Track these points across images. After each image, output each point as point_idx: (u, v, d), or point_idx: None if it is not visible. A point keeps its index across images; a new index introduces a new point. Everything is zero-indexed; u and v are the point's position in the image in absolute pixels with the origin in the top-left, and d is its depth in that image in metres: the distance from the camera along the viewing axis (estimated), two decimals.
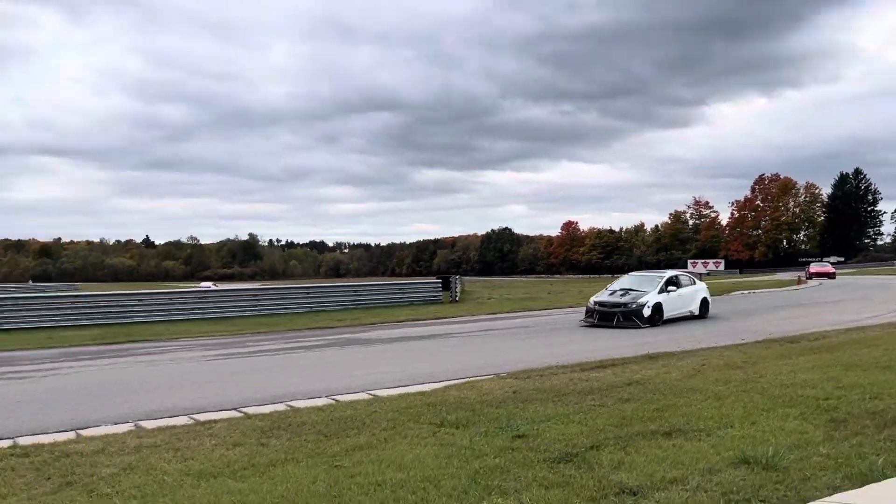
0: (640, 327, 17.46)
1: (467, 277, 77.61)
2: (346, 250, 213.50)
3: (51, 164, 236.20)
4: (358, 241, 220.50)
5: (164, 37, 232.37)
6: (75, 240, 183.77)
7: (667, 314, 18.44)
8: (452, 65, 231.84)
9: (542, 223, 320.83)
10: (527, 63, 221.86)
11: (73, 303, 23.17)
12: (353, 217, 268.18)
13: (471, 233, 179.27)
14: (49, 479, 5.85)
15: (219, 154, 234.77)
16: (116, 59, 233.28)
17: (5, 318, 21.15)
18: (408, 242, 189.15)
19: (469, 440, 6.70)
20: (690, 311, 19.48)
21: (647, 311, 17.86)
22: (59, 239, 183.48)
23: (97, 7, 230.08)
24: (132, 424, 8.04)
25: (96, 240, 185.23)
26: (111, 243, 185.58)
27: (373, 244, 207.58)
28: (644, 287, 18.84)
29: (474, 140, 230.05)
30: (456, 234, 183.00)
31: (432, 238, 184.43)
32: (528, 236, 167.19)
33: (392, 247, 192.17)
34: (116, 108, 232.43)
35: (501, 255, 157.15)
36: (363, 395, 9.49)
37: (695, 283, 20.22)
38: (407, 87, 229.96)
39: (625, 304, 18.16)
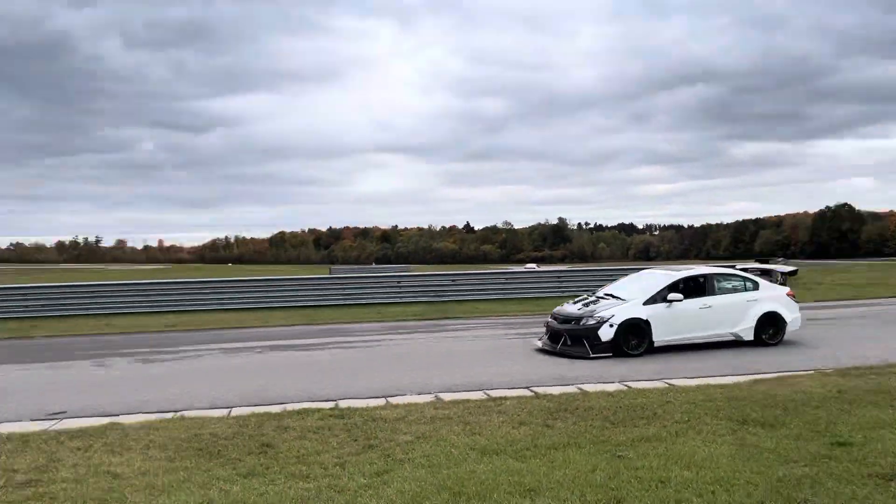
0: (588, 357, 11.28)
1: (796, 261, 69.82)
2: (657, 232, 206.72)
3: (388, 160, 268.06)
4: (669, 223, 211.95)
5: (480, 35, 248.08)
6: (409, 226, 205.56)
7: (664, 338, 11.67)
8: (775, 26, 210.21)
9: (893, 197, 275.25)
10: (871, 12, 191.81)
11: (399, 282, 25.86)
12: (663, 197, 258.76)
13: (800, 210, 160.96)
14: (356, 440, 6.48)
15: (532, 141, 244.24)
16: (440, 61, 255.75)
17: (347, 294, 24.40)
18: (724, 223, 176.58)
19: (775, 443, 5.89)
20: (733, 334, 12.20)
21: (606, 333, 11.38)
22: (396, 226, 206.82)
23: (423, 15, 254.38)
24: (432, 396, 8.58)
25: (426, 226, 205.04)
26: (437, 229, 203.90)
27: (685, 225, 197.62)
28: (632, 293, 12.20)
29: (804, 107, 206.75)
30: (782, 213, 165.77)
31: (753, 217, 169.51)
32: (874, 213, 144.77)
33: (706, 228, 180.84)
34: (441, 105, 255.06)
35: (839, 235, 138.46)
36: (658, 384, 8.95)
37: (755, 287, 12.54)
38: (721, 56, 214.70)
39: (577, 320, 11.84)
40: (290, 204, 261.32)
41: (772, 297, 12.61)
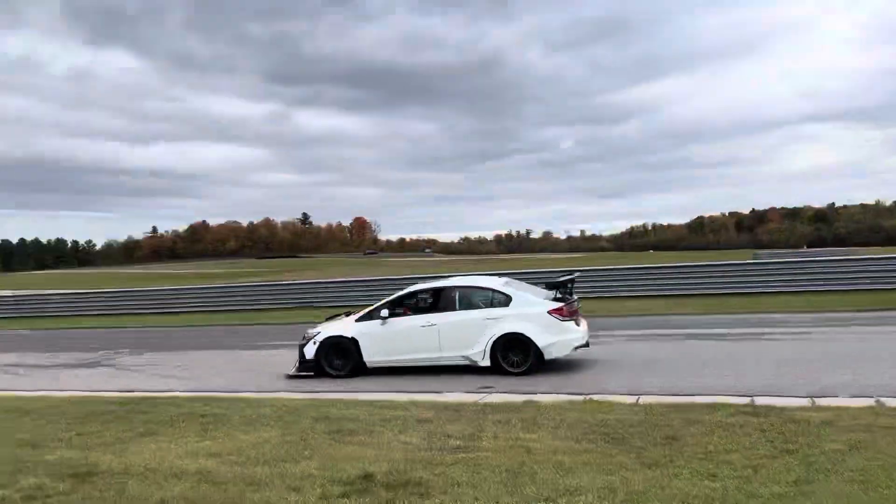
0: (287, 375, 11.18)
1: None
2: None
3: (820, 130, 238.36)
4: None
5: None
6: (849, 203, 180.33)
7: (376, 359, 10.79)
8: None
9: None
10: None
11: (836, 267, 22.72)
12: None
13: None
14: (771, 442, 5.87)
15: None
16: (887, 8, 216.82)
17: (770, 282, 22.34)
18: None
19: None
20: (465, 357, 10.34)
21: (310, 351, 10.97)
22: (833, 204, 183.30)
23: None
24: (872, 400, 7.33)
25: (871, 202, 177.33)
26: (887, 205, 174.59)
27: None
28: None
29: None
30: None
31: None
32: None
33: None
34: (889, 60, 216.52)
35: None
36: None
37: (505, 303, 10.33)
38: None
39: (303, 337, 11.37)
40: (708, 187, 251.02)
41: (521, 315, 10.24)
